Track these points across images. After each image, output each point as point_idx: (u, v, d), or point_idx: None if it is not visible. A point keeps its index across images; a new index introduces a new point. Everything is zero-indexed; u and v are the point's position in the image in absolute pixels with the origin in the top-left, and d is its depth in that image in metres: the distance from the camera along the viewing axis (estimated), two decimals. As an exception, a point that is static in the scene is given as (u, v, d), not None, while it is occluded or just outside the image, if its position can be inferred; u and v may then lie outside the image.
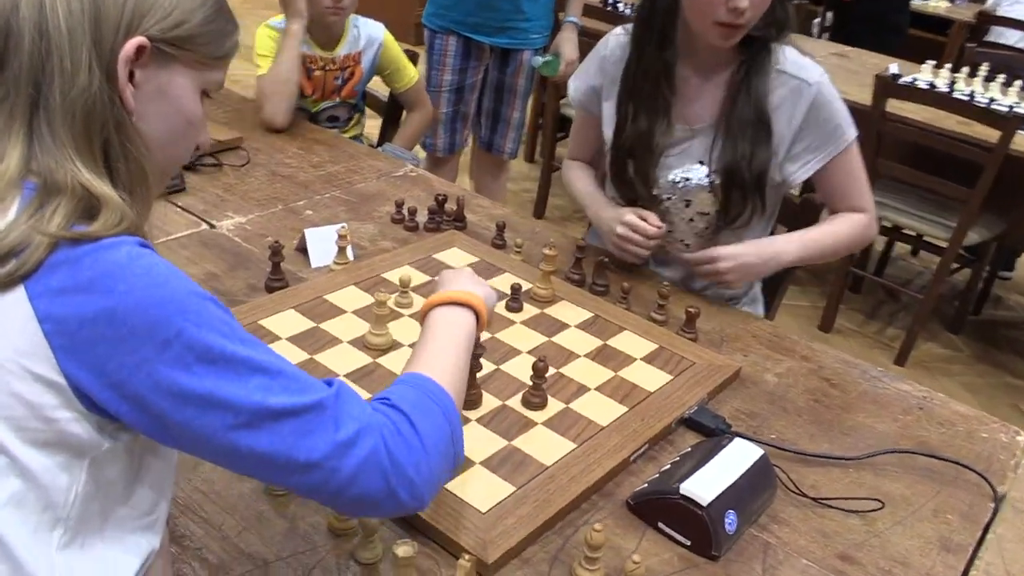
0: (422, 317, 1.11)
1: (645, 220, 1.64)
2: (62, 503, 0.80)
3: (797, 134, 1.65)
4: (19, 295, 0.76)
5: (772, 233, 1.83)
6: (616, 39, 1.77)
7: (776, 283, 1.93)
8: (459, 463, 0.96)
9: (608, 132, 1.77)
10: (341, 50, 2.41)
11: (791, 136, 1.65)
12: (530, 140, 4.80)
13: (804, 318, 3.57)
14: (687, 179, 1.70)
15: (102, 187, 0.81)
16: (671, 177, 1.71)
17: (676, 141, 1.70)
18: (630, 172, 1.73)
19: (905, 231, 3.53)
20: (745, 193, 1.66)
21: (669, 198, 1.72)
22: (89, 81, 0.80)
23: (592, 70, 1.81)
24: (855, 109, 3.23)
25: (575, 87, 1.86)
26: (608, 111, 1.78)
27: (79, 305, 0.75)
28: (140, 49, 0.83)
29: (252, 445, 0.79)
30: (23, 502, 0.79)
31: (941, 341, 3.59)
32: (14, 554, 0.79)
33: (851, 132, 1.67)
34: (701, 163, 1.69)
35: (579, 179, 1.91)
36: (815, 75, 1.64)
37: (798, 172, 1.68)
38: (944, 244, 3.13)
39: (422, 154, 3.15)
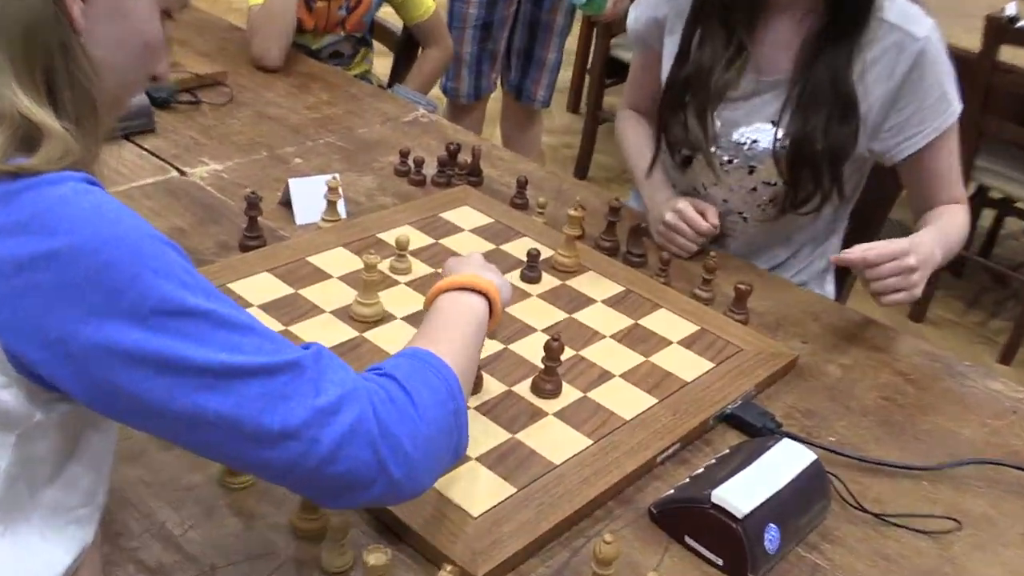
0: (428, 304, 1.12)
1: (703, 214, 1.62)
2: None
3: (894, 100, 1.58)
4: None
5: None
6: None
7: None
8: (461, 452, 0.97)
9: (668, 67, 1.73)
10: (345, -23, 2.40)
11: (887, 101, 1.58)
12: (574, 87, 4.77)
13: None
14: (754, 141, 1.65)
15: (43, 116, 0.79)
16: (735, 136, 1.67)
17: (745, 93, 1.65)
18: (685, 115, 1.67)
19: (1017, 204, 3.46)
20: (816, 172, 1.61)
21: (731, 160, 1.68)
22: None
23: None
24: (959, 56, 3.17)
25: (634, 17, 1.81)
26: (671, 47, 1.73)
27: (14, 247, 0.75)
28: None
29: (217, 409, 0.78)
30: None
31: (1056, 337, 3.51)
32: None
33: (957, 105, 1.60)
34: (773, 123, 1.63)
35: (633, 135, 1.88)
36: (924, 28, 1.56)
37: (895, 149, 1.62)
38: (1062, 220, 3.07)
39: (442, 100, 3.14)
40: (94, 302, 0.75)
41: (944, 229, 1.60)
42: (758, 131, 1.64)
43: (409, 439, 0.85)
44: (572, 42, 3.96)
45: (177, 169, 1.75)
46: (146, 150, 1.80)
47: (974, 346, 3.36)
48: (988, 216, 3.76)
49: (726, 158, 1.68)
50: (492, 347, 1.32)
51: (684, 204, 1.63)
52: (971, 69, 3.04)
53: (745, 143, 1.65)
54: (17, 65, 0.79)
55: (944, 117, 1.59)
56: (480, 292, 1.10)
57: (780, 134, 1.62)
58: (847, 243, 1.74)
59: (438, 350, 0.97)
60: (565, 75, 4.38)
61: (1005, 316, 3.57)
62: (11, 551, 0.83)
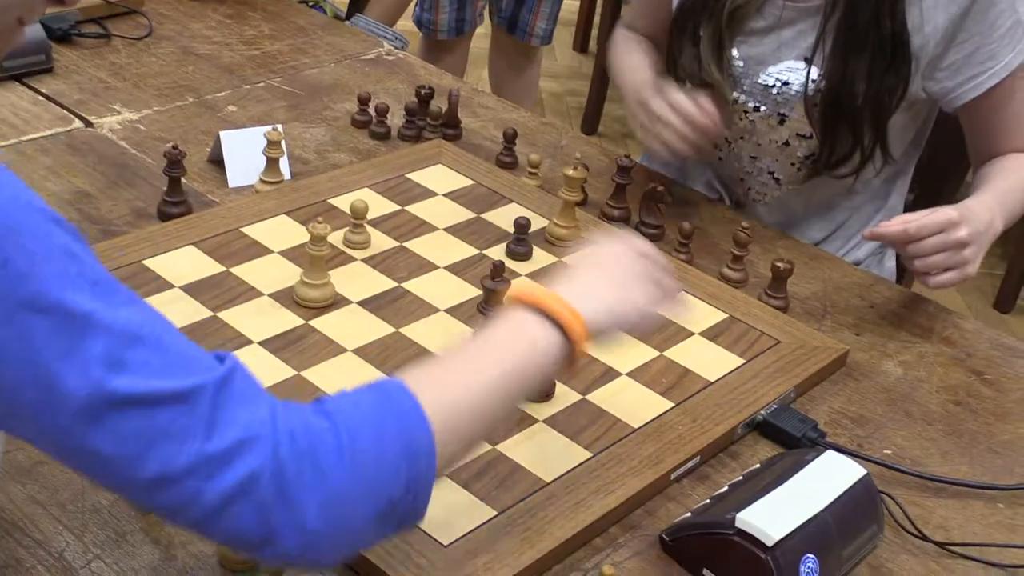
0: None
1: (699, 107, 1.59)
2: None
3: (956, 30, 1.58)
4: None
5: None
6: None
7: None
8: (408, 526, 0.92)
9: None
10: None
11: (948, 31, 1.58)
12: (582, 22, 4.79)
13: (975, 291, 3.55)
14: (784, 83, 1.67)
15: None
16: (763, 78, 1.68)
17: (773, 23, 1.66)
18: (698, 49, 1.68)
19: None
20: (856, 125, 1.62)
21: (757, 108, 1.70)
22: None
23: None
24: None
25: None
26: None
27: None
28: None
29: (83, 444, 0.77)
30: None
31: None
32: None
33: None
34: (806, 60, 1.65)
35: (628, 51, 1.87)
36: None
37: (955, 92, 1.63)
38: None
39: (416, 36, 3.14)
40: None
41: (1005, 187, 1.60)
42: (790, 70, 1.66)
43: (317, 508, 0.81)
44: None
45: (81, 119, 1.76)
46: (43, 95, 1.81)
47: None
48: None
49: (752, 104, 1.70)
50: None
51: (676, 95, 1.59)
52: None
53: (774, 86, 1.67)
54: None
55: (1019, 50, 1.59)
56: (559, 323, 1.00)
57: (815, 75, 1.63)
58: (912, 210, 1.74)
59: (435, 389, 0.92)
60: (571, 5, 4.39)
61: (1117, 306, 3.60)
62: None
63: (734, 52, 1.69)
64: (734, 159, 1.71)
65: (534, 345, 0.99)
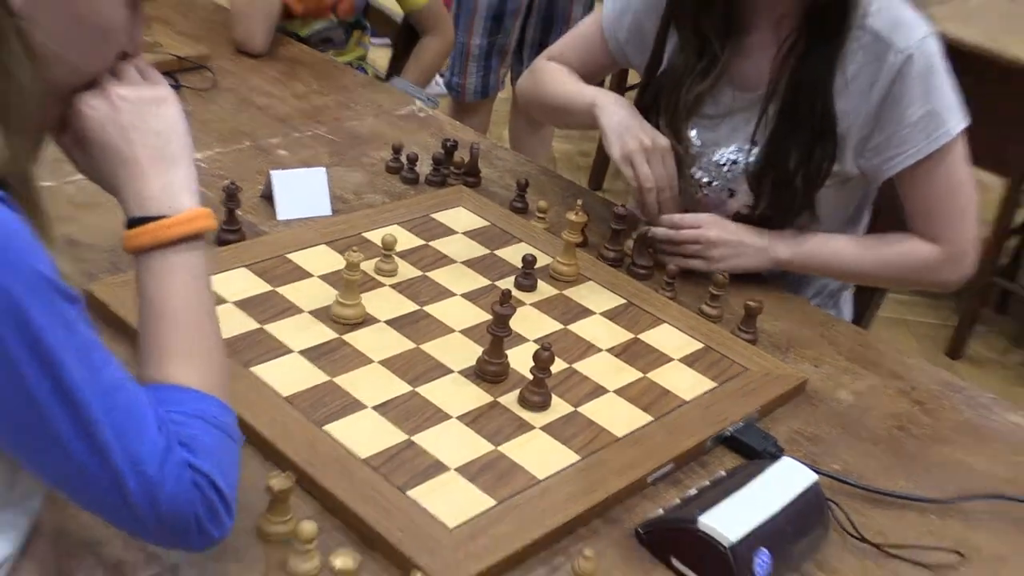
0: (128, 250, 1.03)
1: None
2: None
3: (876, 117, 1.59)
4: None
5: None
6: None
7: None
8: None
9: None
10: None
11: (869, 118, 1.59)
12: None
13: (929, 339, 3.56)
14: (733, 162, 1.68)
15: None
16: (715, 157, 1.70)
17: (724, 110, 1.68)
18: (658, 125, 1.69)
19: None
20: (790, 195, 1.63)
21: (710, 183, 1.72)
22: None
23: None
24: (1017, 70, 3.20)
25: (610, 6, 1.80)
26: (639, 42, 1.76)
27: None
28: None
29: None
30: None
31: (1110, 383, 3.55)
32: None
33: (952, 125, 1.56)
34: (754, 143, 1.66)
35: (562, 80, 1.85)
36: (911, 37, 1.54)
37: (879, 170, 1.63)
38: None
39: (444, 102, 3.17)
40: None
41: (863, 245, 1.66)
42: (739, 151, 1.67)
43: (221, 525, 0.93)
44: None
45: (152, 156, 1.79)
46: (120, 135, 1.84)
47: (1016, 388, 3.39)
48: (1040, 247, 3.81)
49: (706, 179, 1.72)
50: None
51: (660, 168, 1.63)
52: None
53: (725, 164, 1.69)
54: None
55: (931, 139, 1.56)
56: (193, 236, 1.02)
57: (754, 155, 1.65)
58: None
59: (209, 384, 0.98)
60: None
61: (1055, 357, 3.62)
62: None
63: (692, 133, 1.70)
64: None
65: (200, 268, 1.05)
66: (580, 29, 1.92)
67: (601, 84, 2.00)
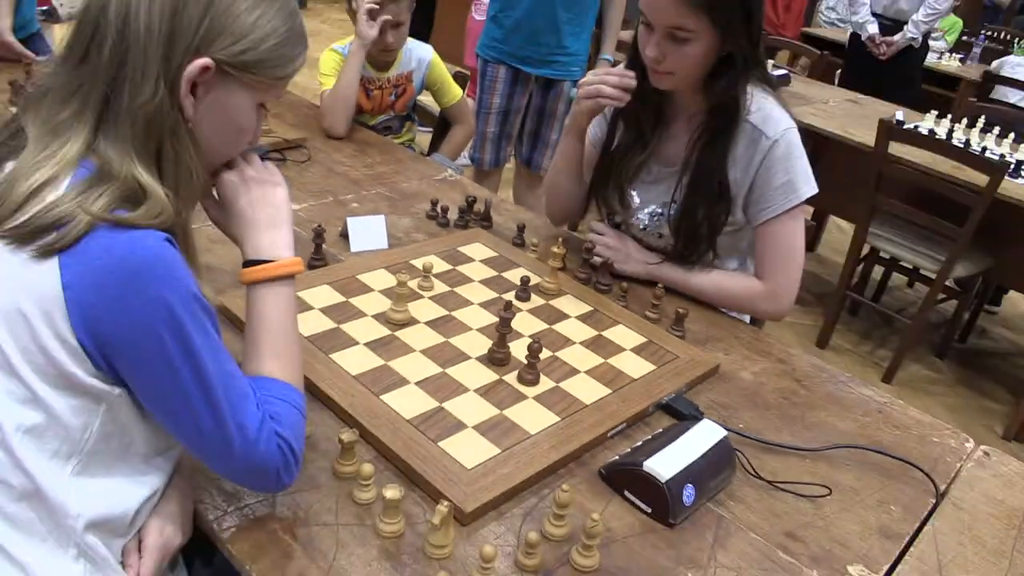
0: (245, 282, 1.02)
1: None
2: (78, 439, 0.83)
3: (752, 185, 1.54)
4: (52, 263, 0.77)
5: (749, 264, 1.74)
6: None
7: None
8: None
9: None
10: (394, 71, 2.44)
11: (748, 185, 1.55)
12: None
13: (803, 334, 3.52)
14: (661, 214, 1.65)
15: (150, 182, 0.82)
16: (649, 209, 1.67)
17: (655, 177, 1.65)
18: (608, 187, 1.68)
19: (902, 263, 3.46)
20: (697, 239, 1.59)
21: (645, 228, 1.68)
22: (154, 93, 0.82)
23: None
24: (860, 150, 3.20)
25: (592, 131, 1.75)
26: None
27: (101, 286, 0.77)
28: (205, 68, 0.84)
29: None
30: (43, 434, 0.82)
31: (926, 364, 3.51)
32: (31, 474, 0.82)
33: (803, 192, 1.52)
34: (674, 202, 1.62)
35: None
36: (778, 129, 1.51)
37: (752, 220, 1.58)
38: (934, 276, 3.07)
39: (468, 170, 3.16)
40: (153, 334, 0.79)
41: (714, 275, 1.61)
42: (664, 205, 1.64)
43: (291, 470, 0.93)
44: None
45: (265, 207, 1.77)
46: (243, 192, 1.82)
47: (865, 368, 3.35)
48: (879, 272, 3.77)
49: (642, 225, 1.68)
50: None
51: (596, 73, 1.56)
52: (868, 159, 3.06)
53: (655, 215, 1.66)
54: (137, 141, 0.82)
55: (784, 201, 1.52)
56: (287, 276, 1.01)
57: (673, 209, 1.62)
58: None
59: (291, 376, 0.97)
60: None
61: (889, 347, 3.56)
62: (97, 488, 0.86)
63: (633, 193, 1.67)
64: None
65: (290, 301, 1.03)
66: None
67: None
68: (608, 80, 1.54)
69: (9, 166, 0.84)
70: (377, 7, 2.24)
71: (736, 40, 1.44)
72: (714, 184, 1.55)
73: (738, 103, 1.50)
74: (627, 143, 1.65)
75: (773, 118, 1.52)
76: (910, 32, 4.51)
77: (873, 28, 4.58)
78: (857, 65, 4.78)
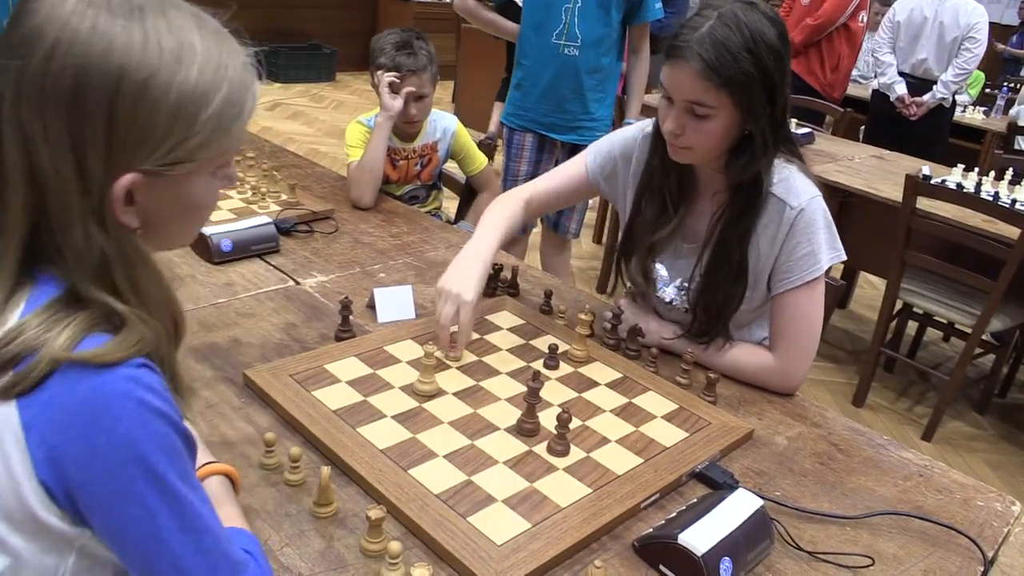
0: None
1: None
2: None
3: (777, 254, 1.51)
4: (11, 405, 0.71)
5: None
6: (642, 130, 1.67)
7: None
8: None
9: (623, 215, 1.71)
10: (419, 141, 2.47)
11: (772, 254, 1.52)
12: (598, 224, 4.82)
13: (839, 392, 3.45)
14: (688, 288, 1.62)
15: (118, 305, 0.75)
16: (675, 283, 1.65)
17: (680, 253, 1.63)
18: (632, 263, 1.67)
19: (936, 318, 3.41)
20: (710, 318, 1.57)
21: (671, 302, 1.66)
22: (85, 235, 0.74)
23: (616, 145, 1.71)
24: (888, 206, 3.17)
25: (592, 157, 1.73)
26: (618, 195, 1.72)
27: (65, 425, 0.71)
28: (132, 183, 0.74)
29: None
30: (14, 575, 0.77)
31: (967, 420, 3.42)
32: None
33: (824, 263, 1.50)
34: (696, 277, 1.60)
35: (499, 211, 1.72)
36: (802, 199, 1.48)
37: (773, 289, 1.55)
38: (970, 330, 3.01)
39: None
40: (120, 479, 0.72)
41: (728, 351, 1.56)
42: (687, 282, 1.62)
43: None
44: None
45: (293, 279, 1.78)
46: (272, 265, 1.84)
47: (903, 427, 3.28)
48: (912, 327, 3.71)
49: (668, 299, 1.66)
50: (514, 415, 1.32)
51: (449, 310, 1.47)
52: (896, 215, 3.04)
53: (683, 289, 1.64)
54: (84, 275, 0.74)
55: (806, 272, 1.50)
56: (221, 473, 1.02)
57: (694, 286, 1.60)
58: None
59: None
60: (591, 214, 4.43)
61: (927, 404, 3.48)
62: None
63: (659, 266, 1.66)
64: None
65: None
66: (566, 170, 1.81)
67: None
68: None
69: None
70: (398, 80, 2.28)
71: (758, 120, 1.43)
72: (733, 262, 1.53)
73: (760, 181, 1.48)
74: (651, 217, 1.63)
75: (796, 188, 1.50)
76: (940, 92, 4.49)
77: (902, 89, 4.54)
78: (882, 122, 4.77)
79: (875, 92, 4.82)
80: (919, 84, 4.55)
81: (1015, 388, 3.72)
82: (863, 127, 5.23)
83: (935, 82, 4.51)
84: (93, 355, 0.71)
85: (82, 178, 0.72)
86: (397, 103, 2.28)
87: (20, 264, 0.75)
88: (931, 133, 4.61)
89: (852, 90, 6.21)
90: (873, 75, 7.07)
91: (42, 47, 0.70)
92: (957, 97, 5.08)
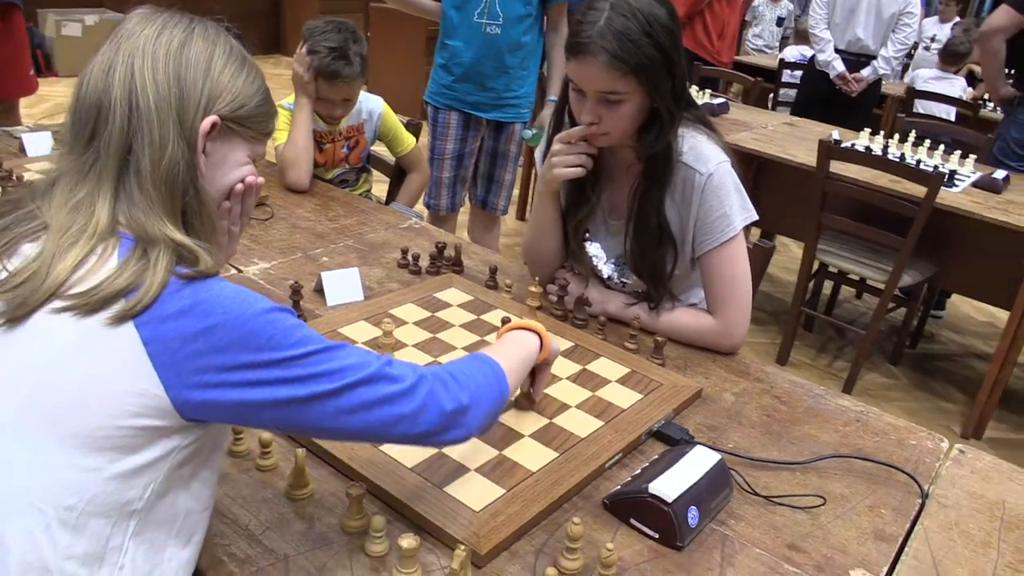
0: (499, 335, 1.26)
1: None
2: (137, 498, 0.84)
3: (692, 218, 1.59)
4: (128, 325, 0.80)
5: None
6: None
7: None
8: (500, 410, 1.06)
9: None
10: (345, 123, 2.47)
11: (688, 219, 1.59)
12: (521, 201, 4.86)
13: (764, 352, 3.60)
14: (624, 263, 1.69)
15: (186, 240, 0.86)
16: (612, 259, 1.71)
17: (611, 230, 1.69)
18: (571, 246, 1.73)
19: (849, 276, 3.57)
20: (652, 282, 1.64)
21: (610, 277, 1.73)
22: (176, 151, 0.87)
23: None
24: (803, 170, 3.30)
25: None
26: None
27: (182, 327, 0.80)
28: (213, 125, 0.91)
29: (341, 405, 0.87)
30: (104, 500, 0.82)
31: (882, 371, 3.61)
32: (95, 536, 0.82)
33: (738, 224, 1.56)
34: (627, 250, 1.66)
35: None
36: (710, 165, 1.55)
37: (696, 252, 1.62)
38: (882, 286, 3.18)
39: (425, 213, 3.19)
40: (246, 357, 0.82)
41: (673, 313, 1.64)
42: (621, 256, 1.69)
43: (454, 403, 0.95)
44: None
45: (236, 268, 1.77)
46: (212, 255, 1.82)
47: (824, 381, 3.43)
48: (828, 286, 3.88)
49: (606, 275, 1.73)
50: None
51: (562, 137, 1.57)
52: (811, 178, 3.17)
53: (619, 264, 1.70)
54: (164, 202, 0.87)
55: (722, 233, 1.57)
56: (535, 332, 1.24)
57: (626, 258, 1.66)
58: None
59: (496, 356, 1.08)
60: (516, 191, 4.46)
61: (845, 358, 3.66)
62: (152, 550, 0.86)
63: (597, 244, 1.72)
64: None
65: (527, 343, 1.22)
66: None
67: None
68: (570, 161, 1.58)
69: (27, 247, 0.85)
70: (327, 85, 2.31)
71: (663, 95, 1.49)
72: (654, 228, 1.59)
73: (670, 150, 1.55)
74: (571, 201, 1.69)
75: (704, 155, 1.57)
76: (882, 68, 4.55)
77: (840, 66, 4.57)
78: (814, 97, 4.79)
79: (809, 69, 4.83)
80: (854, 60, 4.59)
81: (924, 339, 3.94)
82: (772, 97, 5.39)
83: (872, 58, 4.57)
84: (189, 273, 0.83)
85: (181, 107, 0.88)
86: (311, 86, 2.29)
87: (111, 218, 0.85)
88: (862, 108, 4.70)
89: (759, 60, 6.39)
90: (778, 45, 7.26)
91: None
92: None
